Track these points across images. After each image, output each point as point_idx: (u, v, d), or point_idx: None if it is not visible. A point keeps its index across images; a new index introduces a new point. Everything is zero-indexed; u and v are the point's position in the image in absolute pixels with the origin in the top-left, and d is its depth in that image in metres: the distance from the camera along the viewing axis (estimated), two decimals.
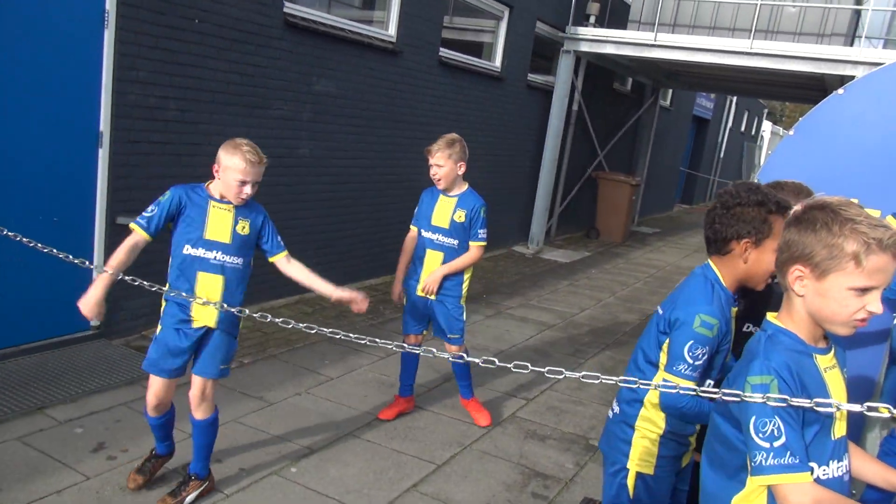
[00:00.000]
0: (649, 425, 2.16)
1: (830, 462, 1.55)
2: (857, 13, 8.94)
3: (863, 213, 1.50)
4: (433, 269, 3.86)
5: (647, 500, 2.19)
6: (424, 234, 3.91)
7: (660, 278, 9.40)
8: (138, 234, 2.72)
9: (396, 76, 6.74)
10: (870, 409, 1.41)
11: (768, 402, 1.43)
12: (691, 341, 1.99)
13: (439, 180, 3.83)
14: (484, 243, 3.90)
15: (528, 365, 1.84)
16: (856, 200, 3.34)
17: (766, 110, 29.74)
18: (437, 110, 7.48)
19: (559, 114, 9.51)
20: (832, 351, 1.63)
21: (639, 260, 10.59)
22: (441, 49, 7.33)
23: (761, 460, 1.46)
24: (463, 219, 3.85)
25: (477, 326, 6.07)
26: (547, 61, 9.98)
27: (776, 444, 1.44)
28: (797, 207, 1.59)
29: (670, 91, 15.07)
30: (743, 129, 24.23)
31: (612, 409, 2.30)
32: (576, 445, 4.04)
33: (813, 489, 1.44)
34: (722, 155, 21.84)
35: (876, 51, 8.24)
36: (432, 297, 3.91)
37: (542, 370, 1.85)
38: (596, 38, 9.23)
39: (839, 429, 1.58)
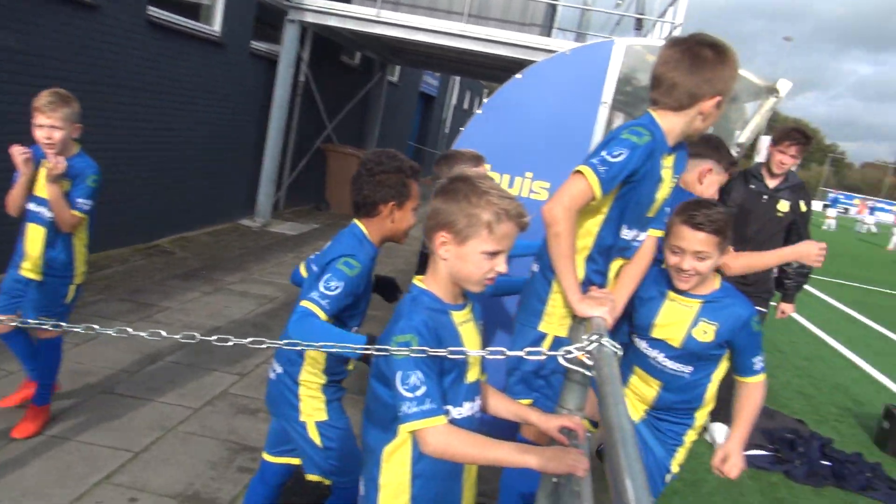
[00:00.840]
0: (311, 378, 2.36)
1: (464, 403, 1.76)
2: (553, 7, 9.96)
3: (495, 186, 1.70)
4: (35, 248, 3.25)
5: (335, 439, 2.40)
6: (27, 205, 3.25)
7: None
8: None
9: (95, 34, 6.08)
10: (492, 353, 1.60)
11: (411, 355, 1.56)
12: (329, 274, 2.15)
13: (52, 145, 3.12)
14: (79, 213, 3.24)
15: (230, 338, 1.77)
16: (530, 175, 3.76)
17: (485, 90, 32.04)
18: (147, 74, 6.91)
19: (285, 84, 9.33)
20: (468, 306, 1.83)
21: None
22: (150, 7, 6.75)
23: (405, 410, 1.60)
24: (68, 187, 3.22)
25: (193, 304, 5.80)
26: (273, 30, 9.69)
27: (417, 393, 1.60)
28: (443, 179, 1.74)
29: (398, 67, 15.57)
30: (466, 106, 25.90)
31: (274, 370, 2.44)
32: None
33: (445, 429, 1.62)
34: (447, 130, 23.16)
35: (567, 42, 9.27)
36: (36, 276, 3.31)
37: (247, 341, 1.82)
38: (321, 10, 9.17)
39: (472, 374, 1.78)
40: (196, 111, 7.93)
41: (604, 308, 1.91)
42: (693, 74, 2.08)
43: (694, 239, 2.26)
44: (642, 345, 2.52)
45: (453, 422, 1.67)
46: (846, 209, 62.01)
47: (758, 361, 2.41)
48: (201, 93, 7.96)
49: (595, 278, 2.21)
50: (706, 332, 2.39)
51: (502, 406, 1.92)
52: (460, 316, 1.77)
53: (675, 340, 2.42)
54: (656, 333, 2.46)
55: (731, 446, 2.43)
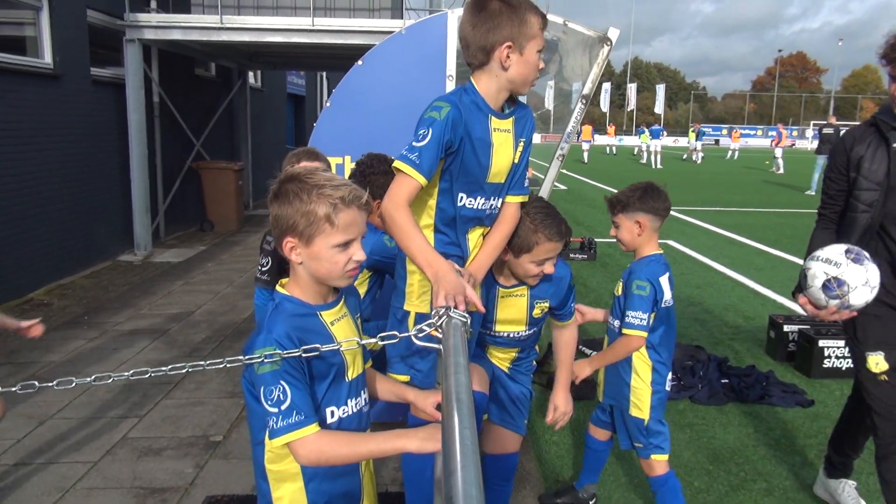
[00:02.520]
0: None
1: (348, 401, 1.73)
2: None
3: (326, 176, 1.66)
4: None
5: None
6: None
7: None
8: None
9: None
10: (347, 341, 1.58)
11: (265, 361, 1.51)
12: None
13: None
14: None
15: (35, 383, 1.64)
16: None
17: None
18: None
19: (138, 107, 8.88)
20: (340, 302, 1.78)
21: (256, 244, 10.53)
22: None
23: (273, 424, 1.56)
24: None
25: (78, 354, 5.47)
26: (116, 53, 9.21)
27: (283, 407, 1.56)
28: (274, 184, 1.68)
29: (259, 72, 15.16)
30: None
31: None
32: (195, 447, 3.91)
33: (315, 439, 1.58)
34: None
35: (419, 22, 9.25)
36: None
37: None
38: (161, 25, 8.78)
39: (353, 371, 1.75)
40: (42, 150, 7.43)
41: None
42: (478, 28, 2.12)
43: (557, 248, 2.47)
44: (491, 337, 2.74)
45: (339, 422, 1.66)
46: (716, 140, 65.61)
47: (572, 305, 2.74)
48: (43, 130, 7.45)
49: (450, 250, 2.22)
50: (543, 309, 2.67)
51: (384, 389, 1.91)
52: (331, 314, 1.73)
53: (521, 326, 2.69)
54: (501, 328, 2.68)
55: (556, 397, 2.76)
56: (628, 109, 68.79)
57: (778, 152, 28.75)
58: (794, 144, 69.51)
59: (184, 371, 1.86)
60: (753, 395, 4.77)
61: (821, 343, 5.14)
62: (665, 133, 35.31)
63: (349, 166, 3.63)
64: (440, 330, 1.51)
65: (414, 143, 2.07)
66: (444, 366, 1.21)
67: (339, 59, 12.17)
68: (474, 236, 2.30)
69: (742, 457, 3.92)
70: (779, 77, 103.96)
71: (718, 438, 4.14)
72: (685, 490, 3.53)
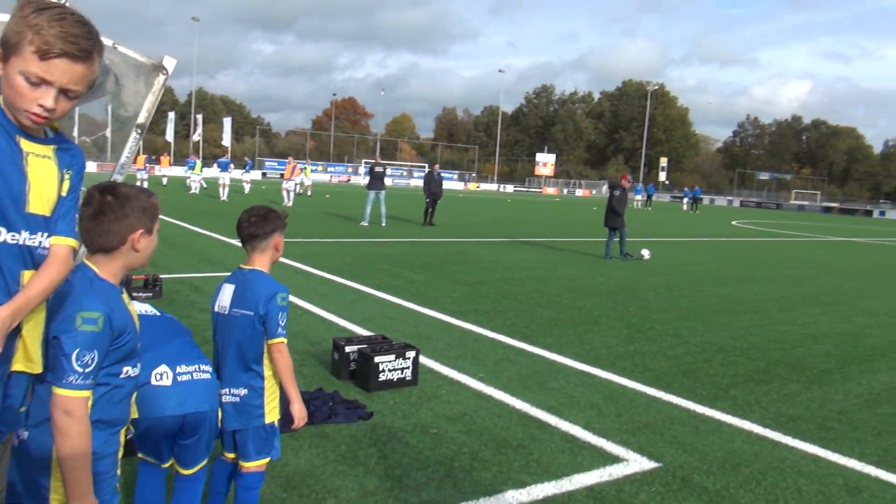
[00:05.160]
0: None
1: None
2: None
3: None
4: None
5: None
6: None
7: None
8: None
9: None
10: None
11: None
12: None
13: None
14: None
15: None
16: None
17: None
18: None
19: None
20: None
21: None
22: None
23: None
24: None
25: None
26: None
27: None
28: None
29: None
30: None
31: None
32: None
33: None
34: None
35: None
36: None
37: None
38: None
39: None
40: None
41: None
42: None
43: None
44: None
45: None
46: (281, 174, 68.52)
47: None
48: None
49: None
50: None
51: None
52: None
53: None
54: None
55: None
56: (194, 140, 67.40)
57: (290, 185, 29.10)
58: (349, 180, 76.96)
59: None
60: (322, 416, 5.05)
61: (376, 359, 5.71)
62: (233, 166, 35.36)
63: None
64: None
65: None
66: None
67: None
68: (28, 278, 1.94)
69: (313, 477, 4.12)
70: (335, 118, 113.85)
71: (291, 465, 4.28)
72: None
